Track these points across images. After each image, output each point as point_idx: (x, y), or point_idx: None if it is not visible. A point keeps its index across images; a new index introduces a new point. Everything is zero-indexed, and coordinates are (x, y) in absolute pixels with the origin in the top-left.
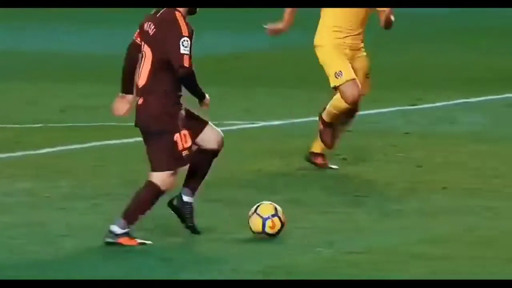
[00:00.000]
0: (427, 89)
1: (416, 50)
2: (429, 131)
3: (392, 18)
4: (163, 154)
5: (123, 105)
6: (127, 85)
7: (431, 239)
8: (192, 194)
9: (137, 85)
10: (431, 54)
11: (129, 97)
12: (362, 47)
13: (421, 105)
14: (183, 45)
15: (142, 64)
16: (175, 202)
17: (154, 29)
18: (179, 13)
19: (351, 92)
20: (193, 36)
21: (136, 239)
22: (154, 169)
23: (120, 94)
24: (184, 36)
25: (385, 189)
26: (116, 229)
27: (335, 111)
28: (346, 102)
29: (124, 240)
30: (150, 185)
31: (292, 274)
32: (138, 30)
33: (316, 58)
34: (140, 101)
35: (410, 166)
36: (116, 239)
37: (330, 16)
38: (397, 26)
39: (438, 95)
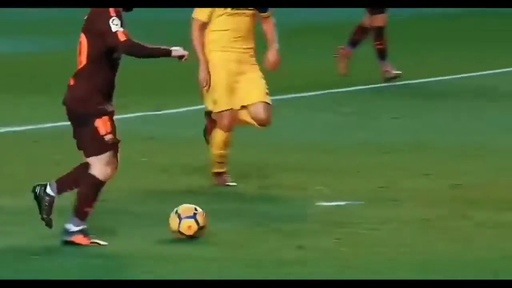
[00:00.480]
0: (171, 95)
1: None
2: (173, 136)
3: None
4: (87, 140)
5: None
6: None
7: (175, 240)
8: (58, 192)
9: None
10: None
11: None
12: (253, 60)
13: (166, 111)
14: (114, 24)
15: (80, 51)
16: (37, 190)
17: (87, 18)
18: None
19: (223, 121)
20: (122, 16)
21: (90, 238)
22: (85, 155)
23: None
24: (112, 17)
25: (128, 193)
26: (70, 226)
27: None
28: (220, 129)
29: (77, 239)
30: (89, 178)
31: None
32: None
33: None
34: (72, 82)
35: (154, 170)
36: (70, 237)
37: (210, 30)
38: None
39: (182, 100)
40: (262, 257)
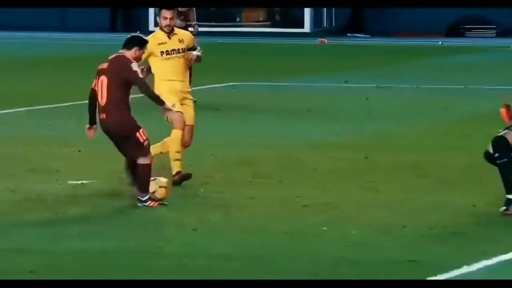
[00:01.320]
0: None
1: None
2: None
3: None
4: (135, 147)
5: (93, 131)
6: (94, 120)
7: None
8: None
9: (99, 105)
10: None
11: (95, 126)
12: (189, 92)
13: None
14: (133, 68)
15: (101, 90)
16: None
17: (108, 64)
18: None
19: (179, 119)
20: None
21: (158, 201)
22: (137, 157)
23: (89, 126)
24: (131, 62)
25: None
26: (139, 197)
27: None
28: (176, 128)
29: (150, 204)
30: (141, 166)
31: None
32: (96, 78)
33: None
34: (104, 116)
35: None
36: (144, 204)
37: (158, 72)
38: None
39: None
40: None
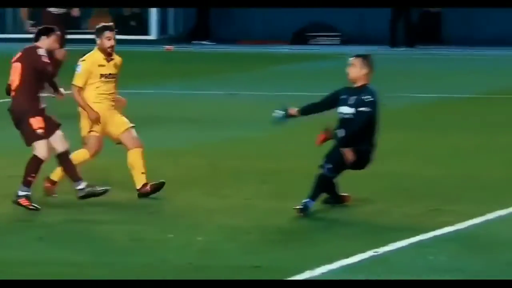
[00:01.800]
0: None
1: None
2: None
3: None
4: (26, 132)
5: None
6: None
7: None
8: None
9: (11, 87)
10: None
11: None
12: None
13: None
14: (39, 54)
15: (14, 74)
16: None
17: (22, 53)
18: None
19: (92, 146)
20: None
21: (31, 203)
22: (26, 143)
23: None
24: (39, 49)
25: None
26: (19, 191)
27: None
28: (86, 149)
29: (23, 201)
30: (33, 157)
31: None
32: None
33: None
34: (14, 93)
35: None
36: (17, 199)
37: (92, 92)
38: None
39: None
40: None
